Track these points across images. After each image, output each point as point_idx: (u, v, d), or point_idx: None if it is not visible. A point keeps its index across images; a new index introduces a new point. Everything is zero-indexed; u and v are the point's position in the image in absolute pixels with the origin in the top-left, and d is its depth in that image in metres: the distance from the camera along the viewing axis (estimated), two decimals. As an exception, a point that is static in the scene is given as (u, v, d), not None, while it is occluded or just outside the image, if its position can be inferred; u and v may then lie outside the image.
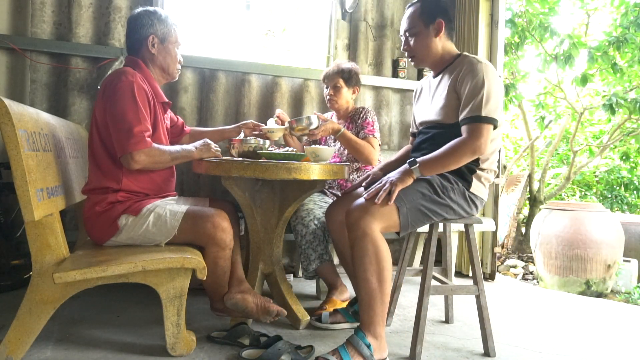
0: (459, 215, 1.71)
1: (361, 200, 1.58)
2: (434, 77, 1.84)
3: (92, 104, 2.52)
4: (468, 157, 1.59)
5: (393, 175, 1.61)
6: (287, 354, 1.56)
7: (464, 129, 1.61)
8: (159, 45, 1.81)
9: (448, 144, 1.60)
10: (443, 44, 1.76)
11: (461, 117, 1.63)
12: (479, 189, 1.72)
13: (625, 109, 3.71)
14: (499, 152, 2.91)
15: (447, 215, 1.67)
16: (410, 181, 1.58)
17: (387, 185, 1.56)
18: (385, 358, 1.56)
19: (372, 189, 1.58)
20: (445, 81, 1.73)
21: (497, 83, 1.64)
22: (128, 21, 1.82)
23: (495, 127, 1.63)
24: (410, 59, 1.83)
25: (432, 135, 1.77)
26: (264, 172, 1.65)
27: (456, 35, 3.17)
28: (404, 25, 1.80)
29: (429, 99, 1.84)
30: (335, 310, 1.96)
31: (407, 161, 1.61)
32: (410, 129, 2.10)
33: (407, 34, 1.78)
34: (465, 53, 1.75)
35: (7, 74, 2.44)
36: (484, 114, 1.58)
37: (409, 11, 1.78)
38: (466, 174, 1.69)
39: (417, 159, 1.60)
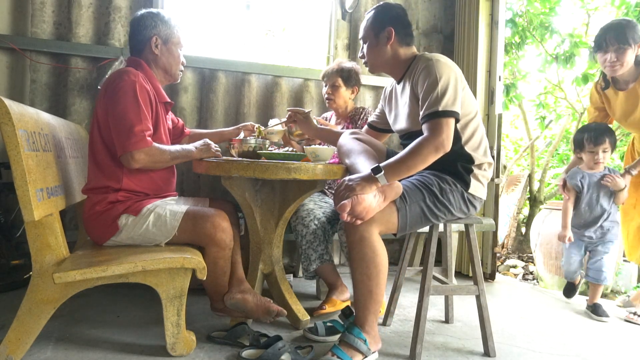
0: (457, 217, 1.70)
1: None
2: (397, 83, 1.83)
3: (92, 104, 2.52)
4: (432, 155, 1.53)
5: (352, 180, 1.49)
6: (287, 354, 1.56)
7: (424, 127, 1.58)
8: (162, 47, 1.81)
9: (410, 145, 1.55)
10: (395, 50, 1.76)
11: (420, 117, 1.61)
12: (477, 188, 1.71)
13: None
14: (496, 149, 2.91)
15: (445, 217, 1.66)
16: (372, 189, 1.47)
17: (345, 192, 1.47)
18: (379, 347, 1.58)
19: (339, 201, 1.47)
20: (407, 88, 1.73)
21: (453, 76, 1.60)
22: (131, 23, 1.83)
23: (457, 121, 1.60)
24: (365, 65, 1.85)
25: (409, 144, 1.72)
26: (264, 172, 1.65)
27: (456, 35, 3.18)
28: (359, 33, 1.84)
29: (397, 107, 1.85)
30: (331, 324, 1.86)
31: (371, 168, 1.50)
32: (370, 118, 2.10)
33: (362, 41, 1.83)
34: (422, 53, 1.73)
35: (7, 74, 2.44)
36: (441, 108, 1.54)
37: (364, 20, 1.82)
38: (464, 175, 1.68)
39: (381, 165, 1.50)
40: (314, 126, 2.07)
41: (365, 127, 2.09)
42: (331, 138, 2.05)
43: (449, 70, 1.61)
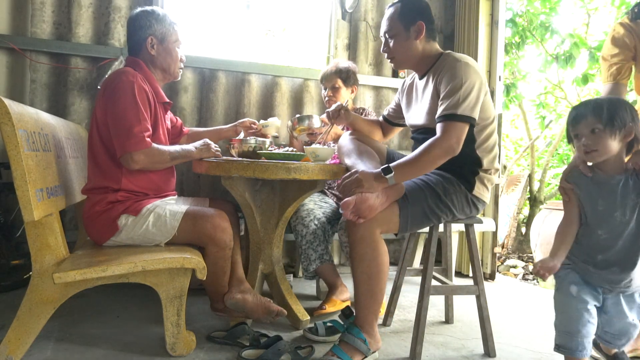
0: (459, 218, 1.70)
1: None
2: (420, 78, 1.79)
3: (92, 104, 2.52)
4: (442, 157, 1.51)
5: (363, 174, 1.49)
6: (287, 354, 1.56)
7: (438, 127, 1.55)
8: (159, 46, 1.80)
9: (420, 147, 1.53)
10: (424, 45, 1.71)
11: (437, 115, 1.58)
12: (481, 191, 1.70)
13: None
14: (499, 148, 2.91)
15: (447, 218, 1.66)
16: (379, 188, 1.48)
17: (352, 185, 1.48)
18: (379, 347, 1.58)
19: (345, 193, 1.49)
20: (430, 84, 1.69)
21: (478, 82, 1.58)
22: (127, 23, 1.83)
23: (473, 126, 1.59)
24: (390, 61, 1.78)
25: (423, 140, 1.69)
26: (264, 172, 1.65)
27: (456, 35, 3.18)
28: (383, 26, 1.75)
29: (416, 101, 1.81)
30: (331, 324, 1.86)
31: (381, 167, 1.51)
32: (384, 112, 2.06)
33: (387, 36, 1.74)
34: (449, 52, 1.70)
35: (7, 74, 2.44)
36: (459, 112, 1.52)
37: (388, 12, 1.73)
38: (469, 176, 1.67)
39: (391, 165, 1.50)
40: (350, 115, 1.97)
41: (380, 119, 2.07)
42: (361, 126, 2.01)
43: (475, 75, 1.58)
